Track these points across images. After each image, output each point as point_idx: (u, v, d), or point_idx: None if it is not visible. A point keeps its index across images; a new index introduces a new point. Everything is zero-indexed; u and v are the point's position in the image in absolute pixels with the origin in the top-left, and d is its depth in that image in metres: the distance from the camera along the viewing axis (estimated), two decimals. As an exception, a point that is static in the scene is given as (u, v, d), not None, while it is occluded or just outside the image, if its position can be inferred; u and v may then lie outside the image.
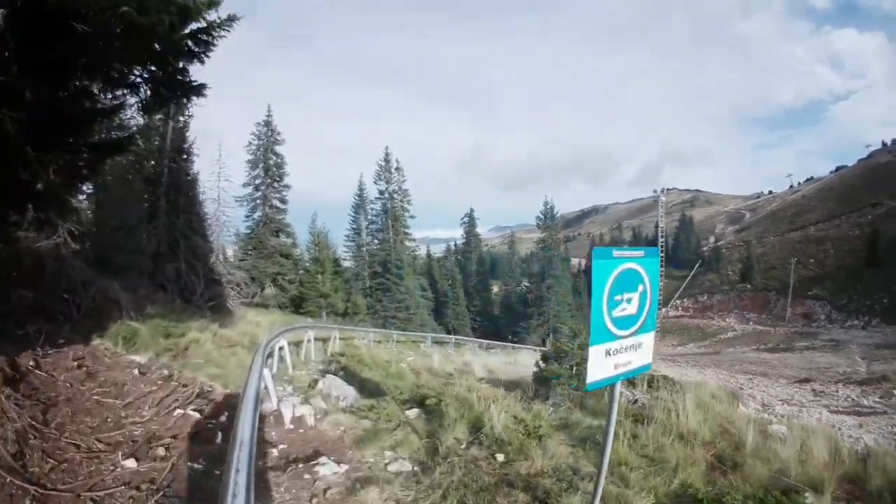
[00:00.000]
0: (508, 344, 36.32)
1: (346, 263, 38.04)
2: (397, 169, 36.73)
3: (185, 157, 15.71)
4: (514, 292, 52.35)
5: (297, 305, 28.01)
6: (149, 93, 4.97)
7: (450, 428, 4.93)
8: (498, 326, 46.45)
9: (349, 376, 8.16)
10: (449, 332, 40.02)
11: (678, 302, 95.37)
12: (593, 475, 3.50)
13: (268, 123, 29.26)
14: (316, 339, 11.60)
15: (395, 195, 36.28)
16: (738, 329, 75.72)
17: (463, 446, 4.68)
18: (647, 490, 3.72)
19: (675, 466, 4.21)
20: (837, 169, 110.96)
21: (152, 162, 15.33)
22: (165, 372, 6.11)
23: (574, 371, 6.88)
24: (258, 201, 29.12)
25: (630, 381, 6.45)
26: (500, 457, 4.45)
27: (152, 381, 5.72)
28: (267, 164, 29.00)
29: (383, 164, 36.74)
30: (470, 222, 51.28)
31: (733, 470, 4.23)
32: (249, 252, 27.93)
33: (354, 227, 37.65)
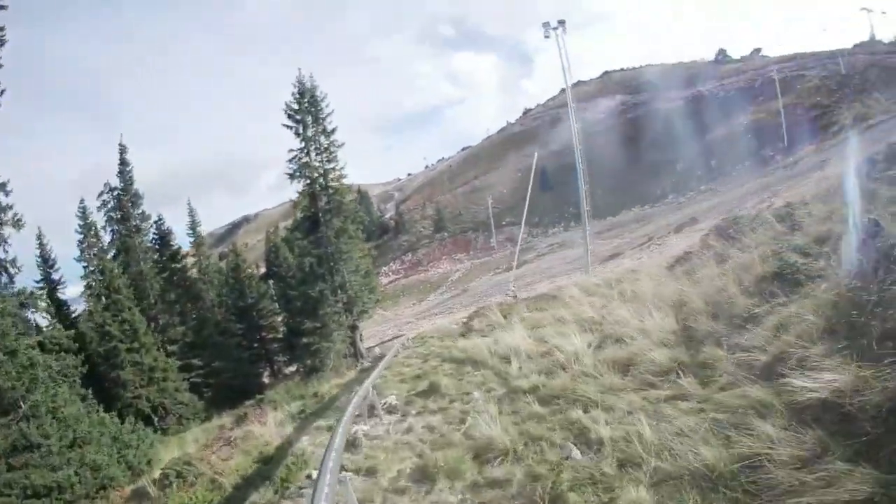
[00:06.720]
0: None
1: None
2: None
3: None
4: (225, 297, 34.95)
5: None
6: None
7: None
8: (237, 359, 32.47)
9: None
10: (155, 411, 24.75)
11: (385, 268, 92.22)
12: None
13: None
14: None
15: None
16: (459, 269, 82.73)
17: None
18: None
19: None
20: (464, 149, 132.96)
21: None
22: None
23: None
24: None
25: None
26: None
27: None
28: None
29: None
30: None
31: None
32: None
33: None
